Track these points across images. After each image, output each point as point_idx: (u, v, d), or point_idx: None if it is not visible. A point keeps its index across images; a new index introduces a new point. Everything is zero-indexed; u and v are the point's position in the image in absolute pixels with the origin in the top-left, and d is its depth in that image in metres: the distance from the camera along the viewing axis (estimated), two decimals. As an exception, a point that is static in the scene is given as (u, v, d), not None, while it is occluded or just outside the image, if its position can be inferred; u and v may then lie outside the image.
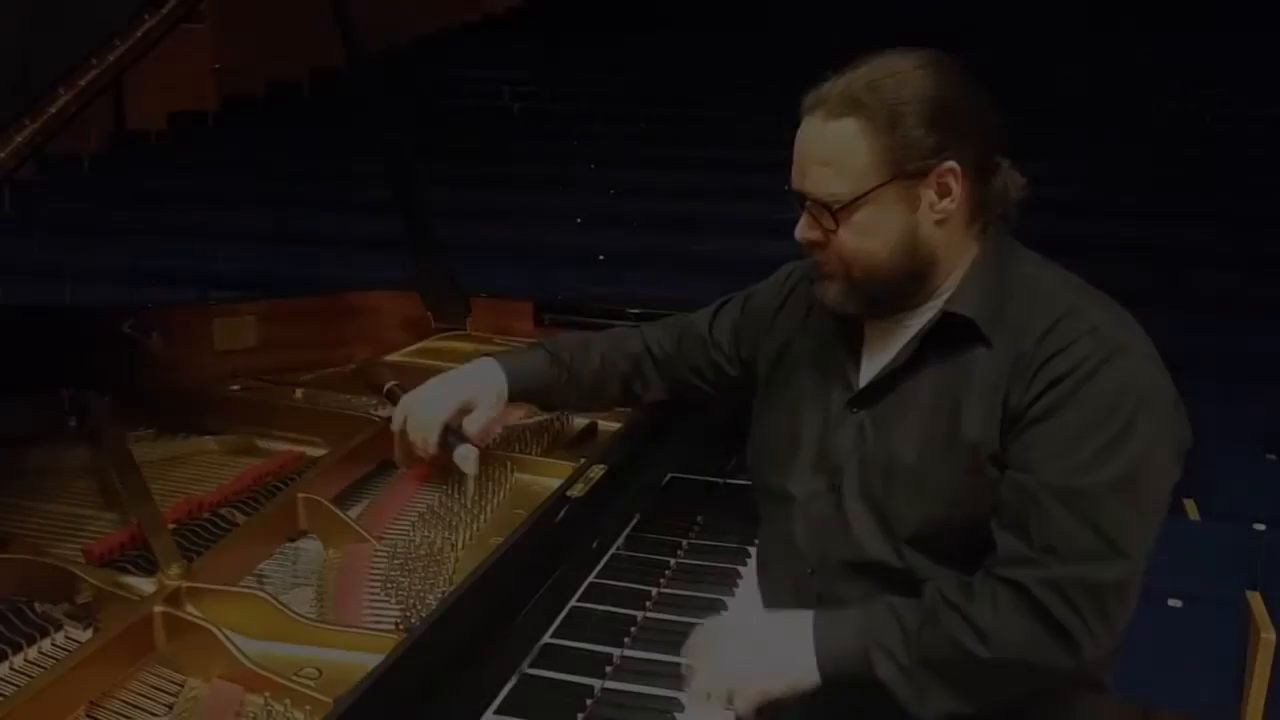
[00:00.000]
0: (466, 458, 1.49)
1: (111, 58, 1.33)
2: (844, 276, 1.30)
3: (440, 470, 1.64)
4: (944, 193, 1.25)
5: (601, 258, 6.08)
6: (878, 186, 1.24)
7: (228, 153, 8.83)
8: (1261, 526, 2.81)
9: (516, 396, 1.62)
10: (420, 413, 1.52)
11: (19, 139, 1.21)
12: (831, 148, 1.25)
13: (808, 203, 1.29)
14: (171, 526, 1.41)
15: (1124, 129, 8.29)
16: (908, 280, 1.29)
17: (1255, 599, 2.53)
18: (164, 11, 1.48)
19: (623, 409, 1.77)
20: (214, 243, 6.60)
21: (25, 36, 1.31)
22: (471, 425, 1.53)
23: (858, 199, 1.24)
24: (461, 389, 1.54)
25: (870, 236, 1.26)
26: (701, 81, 10.35)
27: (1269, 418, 3.85)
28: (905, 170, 1.23)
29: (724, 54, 11.24)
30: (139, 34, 1.41)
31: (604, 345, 1.65)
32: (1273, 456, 3.58)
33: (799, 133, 1.30)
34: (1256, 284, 5.36)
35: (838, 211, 1.25)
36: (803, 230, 1.31)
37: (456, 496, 1.57)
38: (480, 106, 9.99)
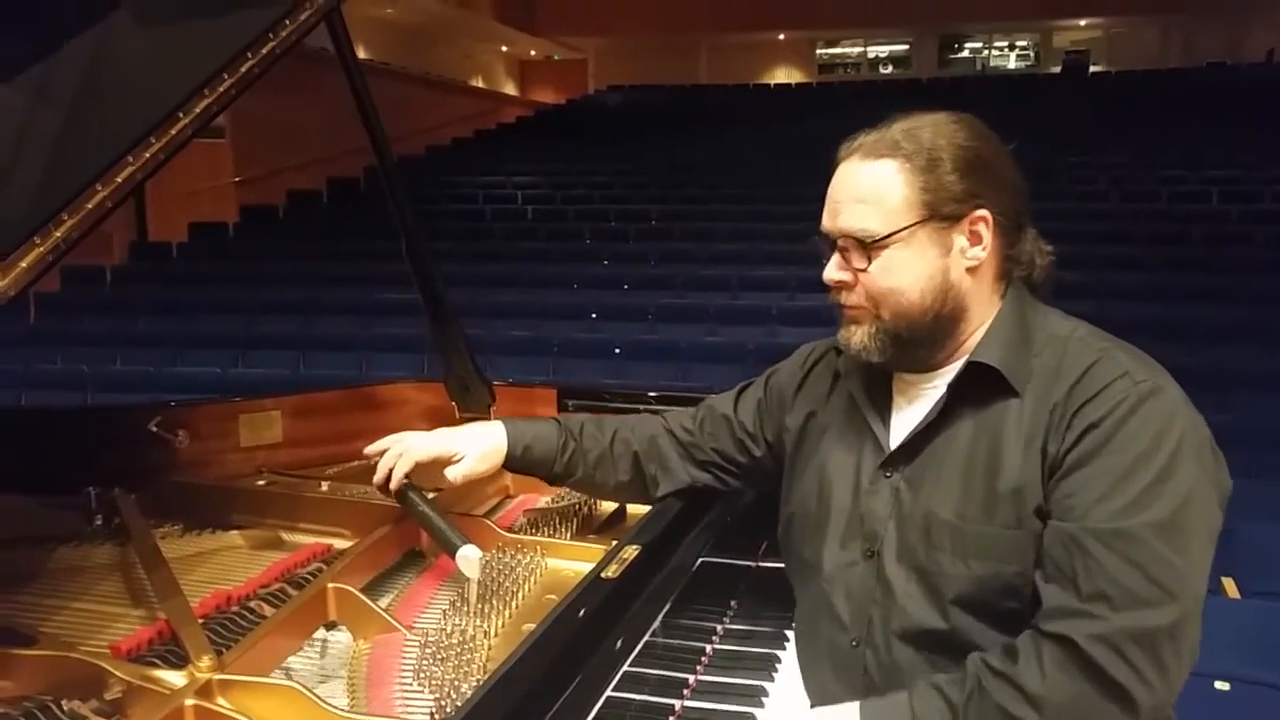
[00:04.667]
0: (468, 559, 1.46)
1: (147, 155, 1.37)
2: (873, 318, 1.30)
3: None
4: (975, 240, 1.27)
5: (617, 350, 6.13)
6: (911, 225, 1.25)
7: (249, 261, 9.00)
8: (1307, 604, 2.74)
9: (518, 461, 1.63)
10: (403, 442, 1.62)
11: (58, 234, 1.23)
12: (868, 186, 1.27)
13: (838, 243, 1.30)
14: (200, 622, 1.39)
15: (1140, 212, 8.39)
16: (936, 326, 1.29)
17: (1307, 679, 2.45)
18: (196, 113, 1.53)
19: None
20: (237, 350, 6.69)
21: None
22: (453, 472, 1.58)
23: (891, 234, 1.26)
24: (451, 437, 1.61)
25: (901, 275, 1.27)
26: (709, 177, 10.58)
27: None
28: (939, 212, 1.26)
29: (730, 151, 11.48)
30: (172, 133, 1.45)
31: (620, 424, 1.65)
32: (1309, 531, 3.51)
33: (834, 178, 1.32)
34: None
35: (870, 246, 1.26)
36: (832, 271, 1.32)
37: (459, 604, 1.51)
38: (495, 210, 10.21)
